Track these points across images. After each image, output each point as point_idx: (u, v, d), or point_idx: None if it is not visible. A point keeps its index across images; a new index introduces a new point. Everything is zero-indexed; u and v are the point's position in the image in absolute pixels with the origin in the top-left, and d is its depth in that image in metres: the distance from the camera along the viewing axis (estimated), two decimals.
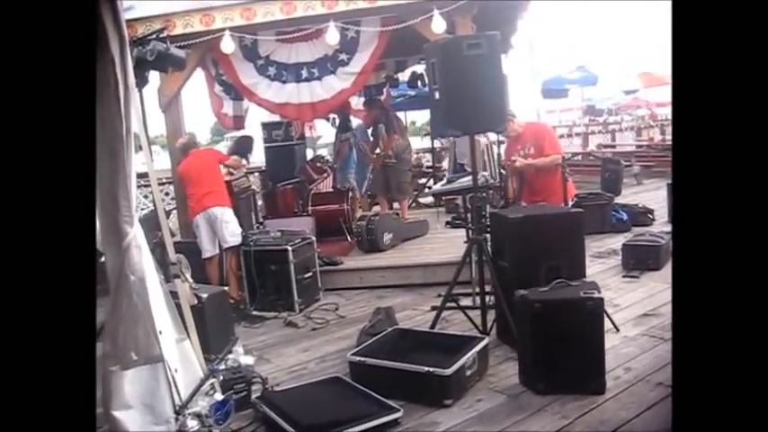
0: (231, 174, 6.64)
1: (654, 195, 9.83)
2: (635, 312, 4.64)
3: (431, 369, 3.41)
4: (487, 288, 4.35)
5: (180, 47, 4.26)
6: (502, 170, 5.60)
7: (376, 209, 8.38)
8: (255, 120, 8.17)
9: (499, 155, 5.97)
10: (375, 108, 8.28)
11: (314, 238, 6.02)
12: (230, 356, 3.74)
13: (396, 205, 8.17)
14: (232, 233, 5.77)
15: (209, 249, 5.83)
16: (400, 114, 13.73)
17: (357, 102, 9.00)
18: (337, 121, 9.22)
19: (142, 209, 8.09)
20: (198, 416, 3.02)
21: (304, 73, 6.25)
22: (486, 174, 5.10)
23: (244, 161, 6.92)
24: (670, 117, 20.21)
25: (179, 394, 3.00)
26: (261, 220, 7.55)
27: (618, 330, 4.23)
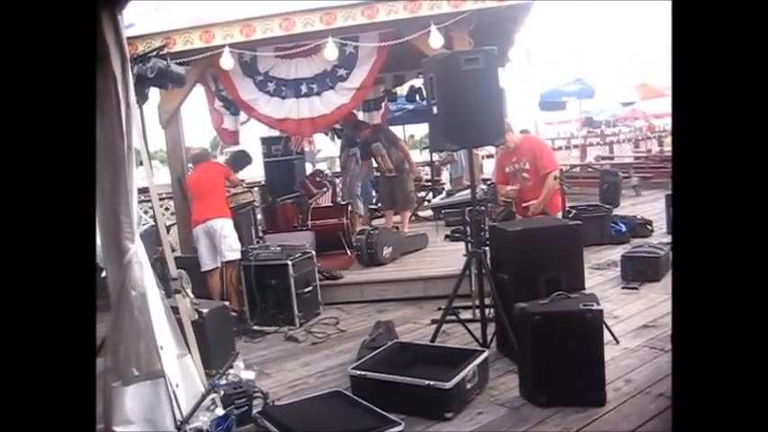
0: (229, 191, 6.65)
1: (652, 207, 9.87)
2: (635, 324, 4.65)
3: (431, 382, 3.42)
4: (487, 301, 4.36)
5: (180, 63, 4.29)
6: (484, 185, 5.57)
7: (375, 222, 8.40)
8: (250, 135, 8.17)
9: None
10: (364, 130, 8.24)
11: (314, 253, 6.03)
12: (231, 371, 3.74)
13: (397, 218, 8.19)
14: (230, 247, 5.79)
15: (208, 263, 5.85)
16: (399, 128, 13.88)
17: (362, 116, 9.00)
18: (336, 138, 9.25)
19: (143, 224, 8.12)
20: (199, 431, 3.02)
21: (303, 88, 6.29)
22: (484, 187, 5.14)
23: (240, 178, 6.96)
24: (667, 128, 20.33)
25: (180, 410, 3.00)
26: (261, 234, 7.56)
27: (618, 342, 4.23)
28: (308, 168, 10.04)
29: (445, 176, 12.57)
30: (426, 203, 10.60)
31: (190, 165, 6.48)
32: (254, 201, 7.55)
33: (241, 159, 7.10)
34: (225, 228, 5.82)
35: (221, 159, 7.62)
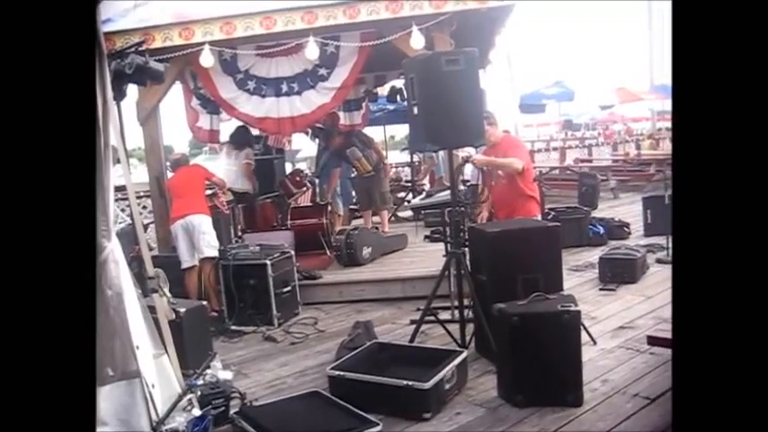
0: (216, 195, 6.64)
1: (629, 209, 9.97)
2: (612, 325, 4.69)
3: (410, 383, 3.42)
4: (466, 302, 4.37)
5: (159, 60, 4.25)
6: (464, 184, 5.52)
7: (355, 223, 8.39)
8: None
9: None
10: (335, 138, 8.21)
11: (293, 252, 6.00)
12: (208, 371, 3.71)
13: (377, 219, 8.19)
14: (208, 244, 5.76)
15: (187, 260, 5.81)
16: (379, 128, 13.87)
17: (343, 117, 8.96)
18: (316, 138, 9.21)
19: (119, 222, 8.02)
20: None
21: (284, 87, 6.25)
22: (463, 188, 5.15)
23: (226, 182, 6.91)
24: (645, 132, 20.57)
25: (156, 410, 2.96)
26: (239, 233, 7.52)
27: (595, 343, 4.27)
28: (288, 168, 10.00)
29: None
30: (406, 204, 10.61)
31: (168, 168, 6.46)
32: (232, 200, 7.51)
33: (242, 135, 7.27)
34: (203, 224, 5.79)
35: (224, 156, 7.56)
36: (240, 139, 7.49)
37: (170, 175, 6.48)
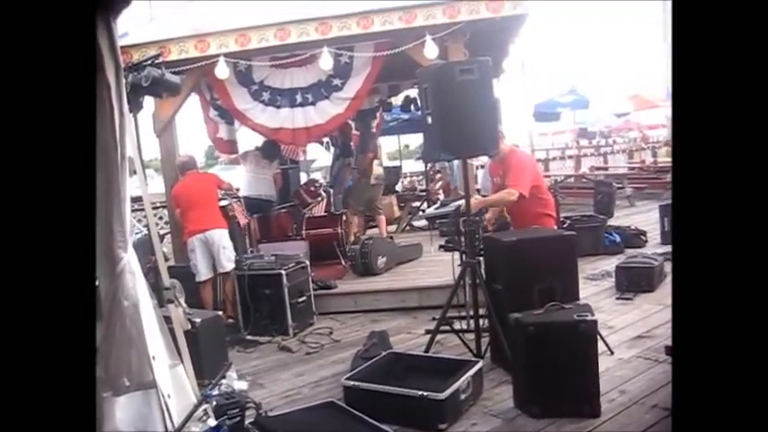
0: (226, 200, 6.67)
1: (646, 217, 9.90)
2: (629, 334, 4.65)
3: (425, 393, 3.40)
4: (481, 311, 4.35)
5: (175, 72, 4.29)
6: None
7: (370, 232, 8.41)
8: (246, 144, 8.18)
9: None
10: (364, 125, 8.57)
11: (308, 262, 6.01)
12: (224, 381, 3.71)
13: (392, 228, 8.25)
14: (229, 258, 5.80)
15: (204, 273, 5.81)
16: (393, 138, 13.91)
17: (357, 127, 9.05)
18: (331, 147, 9.28)
19: (136, 233, 8.06)
20: None
21: (298, 98, 6.29)
22: (478, 197, 5.13)
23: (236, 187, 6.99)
24: (661, 139, 20.43)
25: (172, 420, 2.97)
26: (255, 243, 7.55)
27: (612, 353, 4.23)
28: (303, 178, 10.05)
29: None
30: (421, 213, 10.60)
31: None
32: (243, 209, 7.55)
33: (273, 147, 7.49)
34: (224, 238, 5.82)
35: (249, 164, 7.65)
36: (271, 151, 7.62)
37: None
